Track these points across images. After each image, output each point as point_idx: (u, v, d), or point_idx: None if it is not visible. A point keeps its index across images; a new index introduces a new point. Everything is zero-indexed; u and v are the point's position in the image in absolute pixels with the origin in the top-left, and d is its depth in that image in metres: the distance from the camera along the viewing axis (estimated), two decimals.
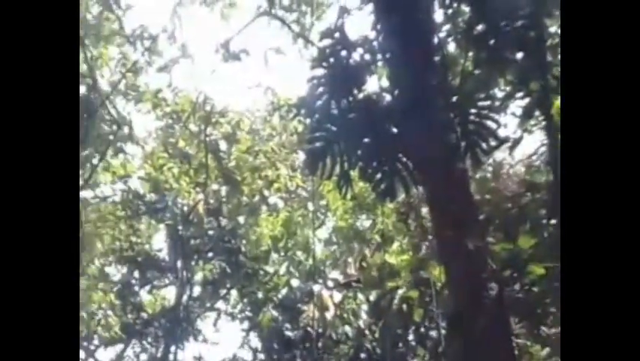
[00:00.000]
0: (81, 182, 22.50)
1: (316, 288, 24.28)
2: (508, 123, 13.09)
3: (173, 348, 28.89)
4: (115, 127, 21.28)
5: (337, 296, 23.81)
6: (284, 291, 27.65)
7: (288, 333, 25.54)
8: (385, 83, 10.77)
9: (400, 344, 21.24)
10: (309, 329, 23.92)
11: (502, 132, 10.65)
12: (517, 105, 12.55)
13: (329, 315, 23.43)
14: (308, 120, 12.20)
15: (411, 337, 21.10)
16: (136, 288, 30.40)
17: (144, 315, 29.95)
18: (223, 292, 30.34)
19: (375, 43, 10.57)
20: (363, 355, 23.20)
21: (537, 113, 12.48)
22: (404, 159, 10.25)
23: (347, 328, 24.33)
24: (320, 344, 23.64)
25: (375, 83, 10.80)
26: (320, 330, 23.59)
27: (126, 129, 24.63)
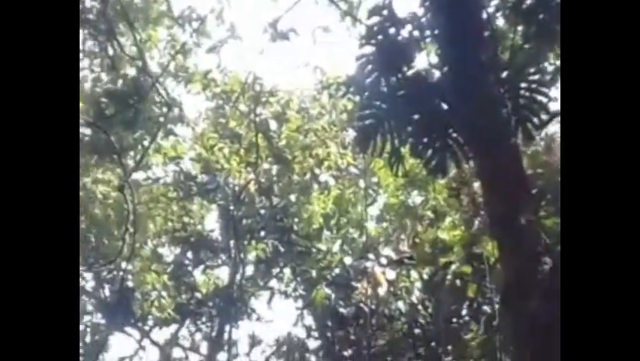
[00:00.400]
0: (132, 164, 22.72)
1: (369, 265, 24.25)
2: (558, 97, 13.00)
3: (227, 327, 29.16)
4: (165, 109, 21.39)
5: (390, 273, 23.78)
6: (337, 269, 27.67)
7: (342, 310, 25.56)
8: (434, 59, 10.75)
9: (454, 320, 21.19)
10: (362, 305, 23.92)
11: (553, 106, 10.61)
12: None
13: (382, 292, 23.42)
14: (357, 98, 12.23)
15: (464, 312, 21.02)
16: (189, 268, 30.64)
17: (198, 295, 30.19)
18: (276, 270, 30.47)
19: (423, 19, 10.55)
20: (417, 330, 23.21)
21: None
22: (455, 135, 10.24)
23: (400, 304, 24.33)
24: (373, 321, 23.65)
25: (424, 60, 10.79)
26: (373, 307, 23.59)
27: (176, 111, 24.83)
